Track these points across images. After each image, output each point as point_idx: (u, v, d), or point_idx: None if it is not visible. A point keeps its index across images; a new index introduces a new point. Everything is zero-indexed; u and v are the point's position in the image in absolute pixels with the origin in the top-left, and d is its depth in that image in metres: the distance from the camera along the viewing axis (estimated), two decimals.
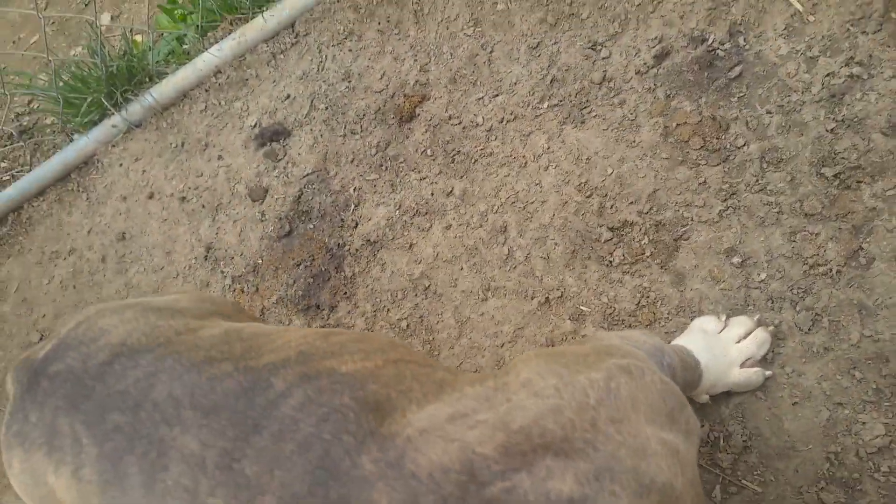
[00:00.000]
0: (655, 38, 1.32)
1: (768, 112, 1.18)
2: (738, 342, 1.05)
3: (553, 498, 0.54)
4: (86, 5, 2.66)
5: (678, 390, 0.71)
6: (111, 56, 1.90)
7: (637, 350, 0.78)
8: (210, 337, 0.79)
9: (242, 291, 1.64)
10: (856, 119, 1.11)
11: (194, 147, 1.85)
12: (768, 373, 1.06)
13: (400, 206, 1.50)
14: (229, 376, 0.70)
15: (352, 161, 1.60)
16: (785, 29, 1.20)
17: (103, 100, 1.88)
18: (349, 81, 1.68)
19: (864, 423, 1.01)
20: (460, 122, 1.49)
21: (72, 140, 2.02)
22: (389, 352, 0.76)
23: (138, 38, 2.20)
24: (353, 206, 1.56)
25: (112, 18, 2.51)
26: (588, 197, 1.30)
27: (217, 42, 1.85)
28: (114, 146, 1.99)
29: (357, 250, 1.51)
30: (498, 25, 1.52)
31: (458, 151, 1.47)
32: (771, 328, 1.07)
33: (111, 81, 1.85)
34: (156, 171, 1.89)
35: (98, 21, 2.32)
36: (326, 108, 1.68)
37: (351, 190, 1.58)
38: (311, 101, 1.71)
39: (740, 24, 1.24)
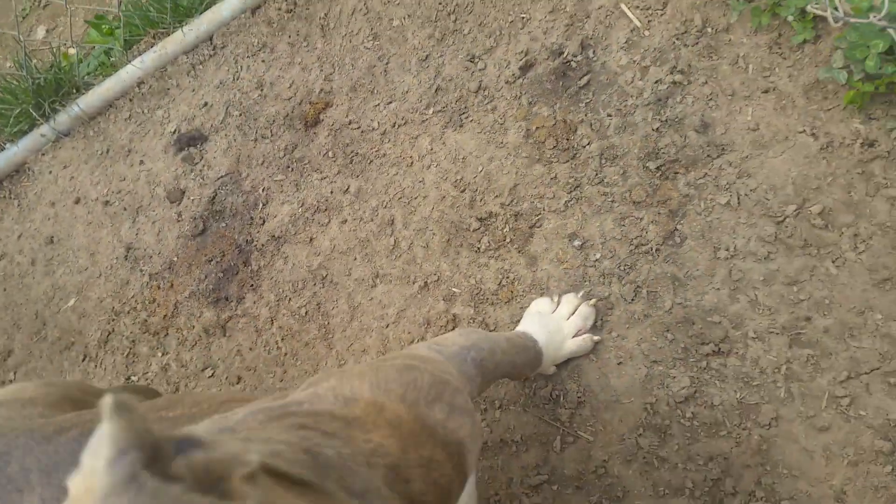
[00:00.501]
0: (522, 51, 1.60)
1: (608, 115, 1.46)
2: (569, 318, 1.32)
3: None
4: (23, 18, 2.93)
5: (451, 381, 0.86)
6: (38, 68, 2.16)
7: (436, 355, 0.96)
8: (63, 417, 0.88)
9: (158, 287, 1.89)
10: (676, 119, 1.39)
11: (118, 153, 2.11)
12: (596, 338, 1.33)
13: (303, 203, 1.76)
14: (75, 439, 0.79)
15: (262, 163, 1.87)
16: (626, 42, 1.49)
17: (31, 110, 2.14)
18: (261, 90, 1.95)
19: (673, 377, 1.28)
20: (359, 127, 1.77)
21: (2, 150, 2.27)
22: (223, 399, 0.88)
23: (72, 51, 2.47)
24: (261, 205, 1.82)
25: (47, 31, 2.78)
26: (462, 192, 1.57)
27: (140, 55, 2.12)
28: (43, 154, 2.25)
29: (263, 245, 1.77)
30: (393, 40, 1.80)
31: (356, 153, 1.74)
32: (593, 301, 1.34)
33: (39, 93, 2.11)
34: (83, 177, 2.14)
35: (33, 34, 2.60)
36: (240, 115, 1.95)
37: (260, 190, 1.84)
38: (227, 109, 1.98)
39: (591, 39, 1.53)
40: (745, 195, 1.31)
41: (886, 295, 1.19)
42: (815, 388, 1.19)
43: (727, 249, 1.30)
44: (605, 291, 1.36)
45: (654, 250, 1.35)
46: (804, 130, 1.28)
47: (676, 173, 1.37)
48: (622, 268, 1.36)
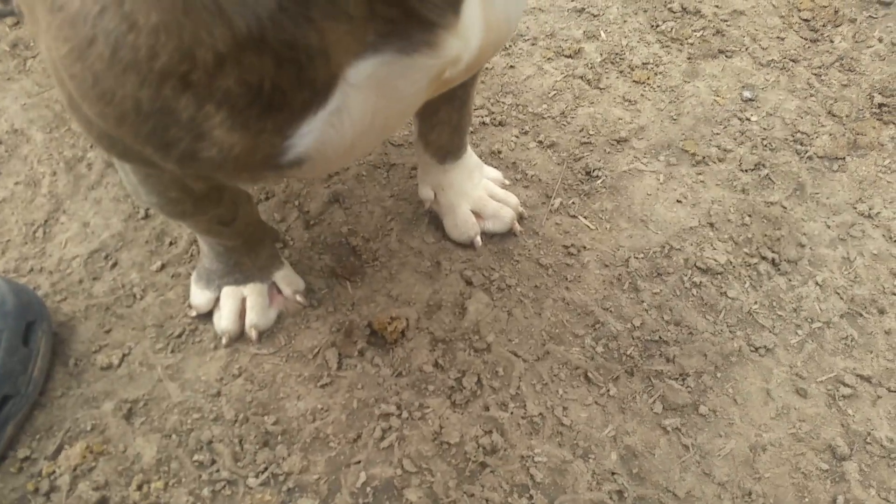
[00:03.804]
0: None
1: None
2: None
3: None
4: None
5: None
6: None
7: None
8: None
9: None
10: None
11: None
12: None
13: None
14: None
15: None
16: None
17: None
18: None
19: (730, 285, 1.06)
20: None
21: None
22: None
23: None
24: None
25: None
26: None
27: None
28: None
29: None
30: None
31: None
32: None
33: None
34: None
35: None
36: None
37: None
38: None
39: None
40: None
41: None
42: (827, 362, 0.97)
43: (870, 208, 1.09)
44: (730, 145, 1.16)
45: (807, 154, 1.14)
46: None
47: (892, 122, 1.16)
48: (766, 141, 1.16)
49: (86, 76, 0.44)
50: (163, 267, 1.05)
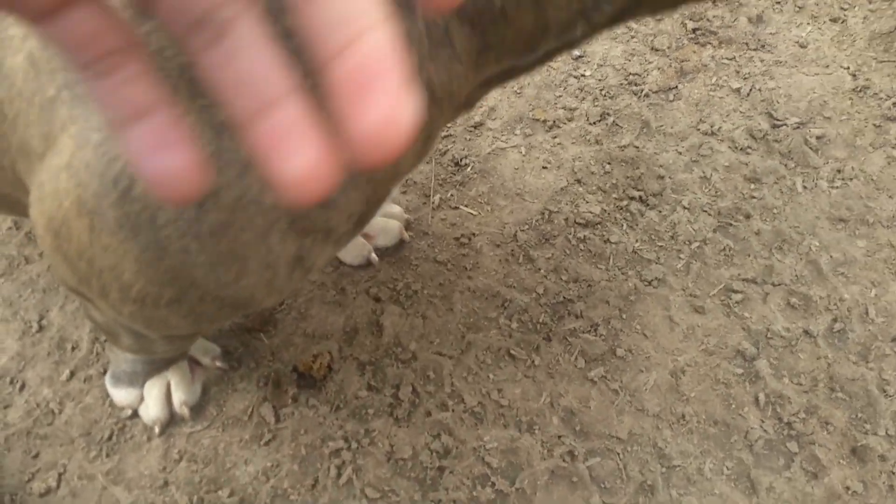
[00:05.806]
0: None
1: None
2: None
3: None
4: None
5: None
6: None
7: None
8: None
9: None
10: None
11: None
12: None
13: None
14: None
15: None
16: None
17: None
18: None
19: (587, 201, 1.14)
20: None
21: None
22: None
23: None
24: None
25: None
26: None
27: None
28: None
29: None
30: None
31: None
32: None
33: None
34: None
35: None
36: None
37: None
38: None
39: None
40: (759, 90, 1.20)
41: (833, 232, 1.07)
42: (714, 275, 1.06)
43: (711, 126, 1.19)
44: (574, 103, 1.23)
45: (643, 92, 1.23)
46: (848, 67, 1.19)
47: (708, 42, 1.26)
48: (604, 91, 1.24)
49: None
50: (72, 374, 1.03)
